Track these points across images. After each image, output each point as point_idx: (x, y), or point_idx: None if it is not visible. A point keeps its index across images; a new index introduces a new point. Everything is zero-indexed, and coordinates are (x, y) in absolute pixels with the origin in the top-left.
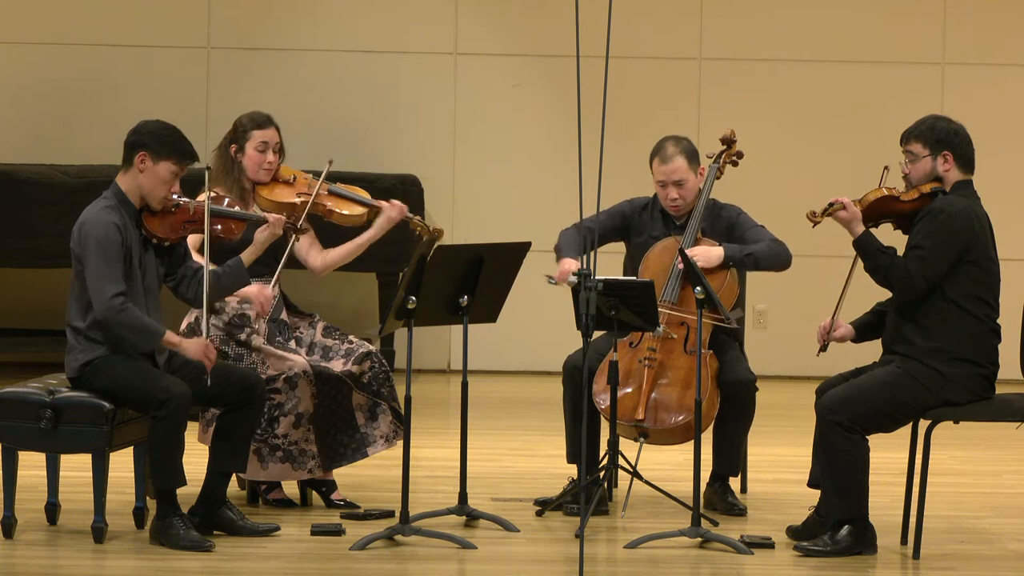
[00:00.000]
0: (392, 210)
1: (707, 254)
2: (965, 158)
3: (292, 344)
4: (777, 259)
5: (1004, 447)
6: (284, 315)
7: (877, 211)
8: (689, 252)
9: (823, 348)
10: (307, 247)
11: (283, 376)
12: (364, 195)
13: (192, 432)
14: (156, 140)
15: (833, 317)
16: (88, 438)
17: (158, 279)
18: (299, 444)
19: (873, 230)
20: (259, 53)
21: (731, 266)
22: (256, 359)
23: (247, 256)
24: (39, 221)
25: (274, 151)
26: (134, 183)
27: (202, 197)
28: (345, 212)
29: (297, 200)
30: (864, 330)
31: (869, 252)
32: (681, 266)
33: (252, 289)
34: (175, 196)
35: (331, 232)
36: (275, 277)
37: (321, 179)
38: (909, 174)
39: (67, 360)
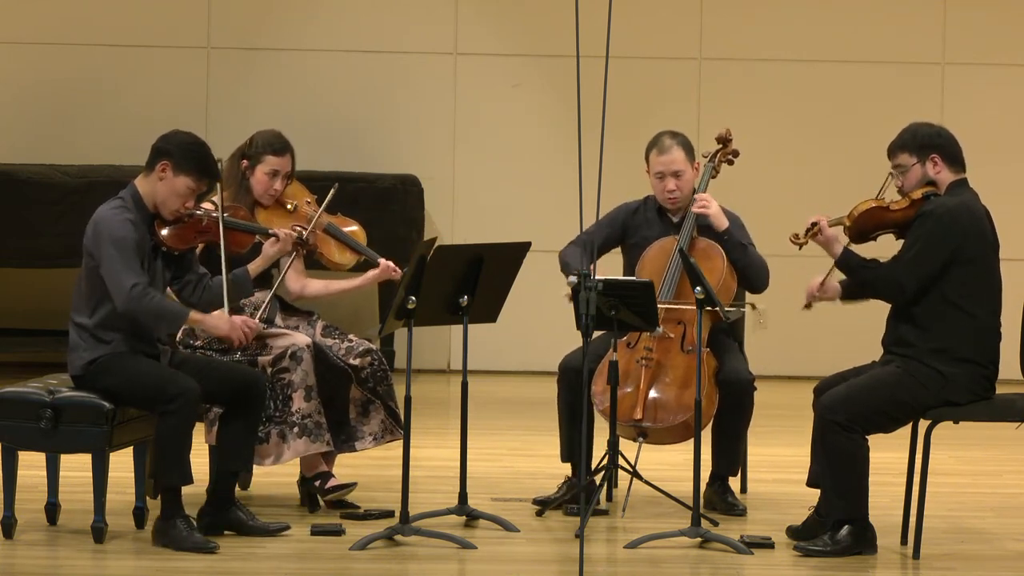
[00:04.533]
0: (384, 272)
1: (719, 215)
2: (953, 157)
3: None
4: (760, 271)
5: (1004, 447)
6: (279, 319)
7: (868, 223)
8: (704, 199)
9: (808, 306)
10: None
11: (288, 352)
12: (360, 239)
13: (197, 432)
14: (181, 152)
15: (825, 278)
16: (88, 438)
17: (163, 284)
18: (312, 416)
19: (872, 244)
20: (259, 53)
21: (726, 240)
22: (257, 345)
23: (254, 267)
24: (39, 221)
25: (283, 178)
26: (151, 189)
27: (208, 205)
28: (333, 257)
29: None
30: (852, 290)
31: (852, 269)
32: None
33: (224, 324)
34: (188, 207)
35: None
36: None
37: (319, 213)
38: (903, 186)
39: (70, 358)
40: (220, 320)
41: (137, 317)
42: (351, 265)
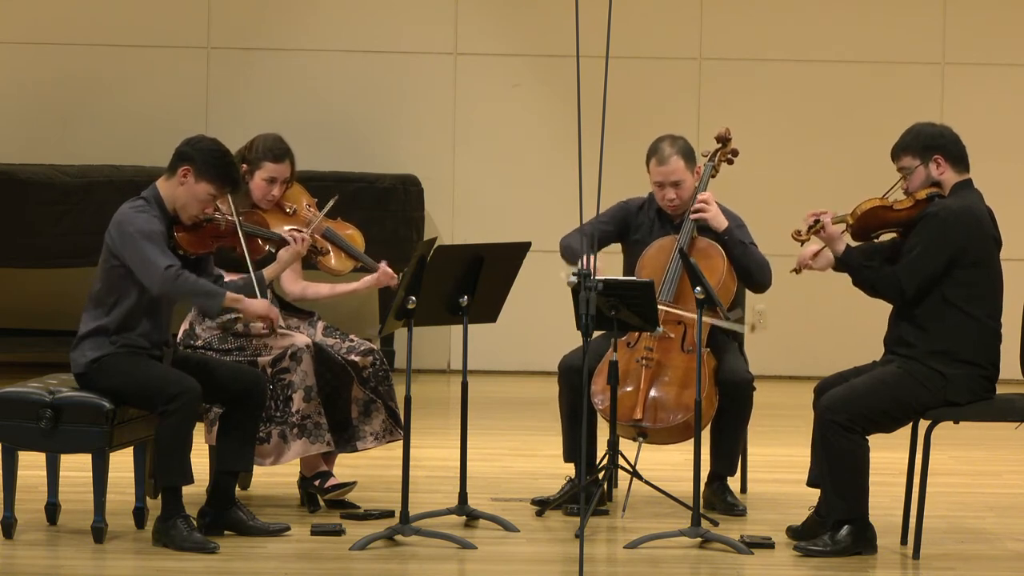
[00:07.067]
0: (382, 276)
1: (717, 216)
2: (957, 157)
3: None
4: (762, 269)
5: (1004, 447)
6: (279, 319)
7: (872, 222)
8: (704, 198)
9: (796, 271)
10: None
11: (288, 353)
12: (359, 245)
13: (197, 432)
14: (203, 159)
15: (820, 250)
16: (88, 438)
17: None
18: (312, 417)
19: (875, 242)
20: (259, 53)
21: (726, 239)
22: (257, 344)
23: (270, 272)
24: (39, 221)
25: (281, 184)
26: (172, 192)
27: (223, 207)
28: (331, 264)
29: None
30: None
31: (853, 268)
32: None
33: (261, 305)
34: (207, 212)
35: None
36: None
37: (318, 219)
38: (908, 188)
39: (73, 356)
40: (257, 301)
41: (173, 297)
42: (348, 271)
